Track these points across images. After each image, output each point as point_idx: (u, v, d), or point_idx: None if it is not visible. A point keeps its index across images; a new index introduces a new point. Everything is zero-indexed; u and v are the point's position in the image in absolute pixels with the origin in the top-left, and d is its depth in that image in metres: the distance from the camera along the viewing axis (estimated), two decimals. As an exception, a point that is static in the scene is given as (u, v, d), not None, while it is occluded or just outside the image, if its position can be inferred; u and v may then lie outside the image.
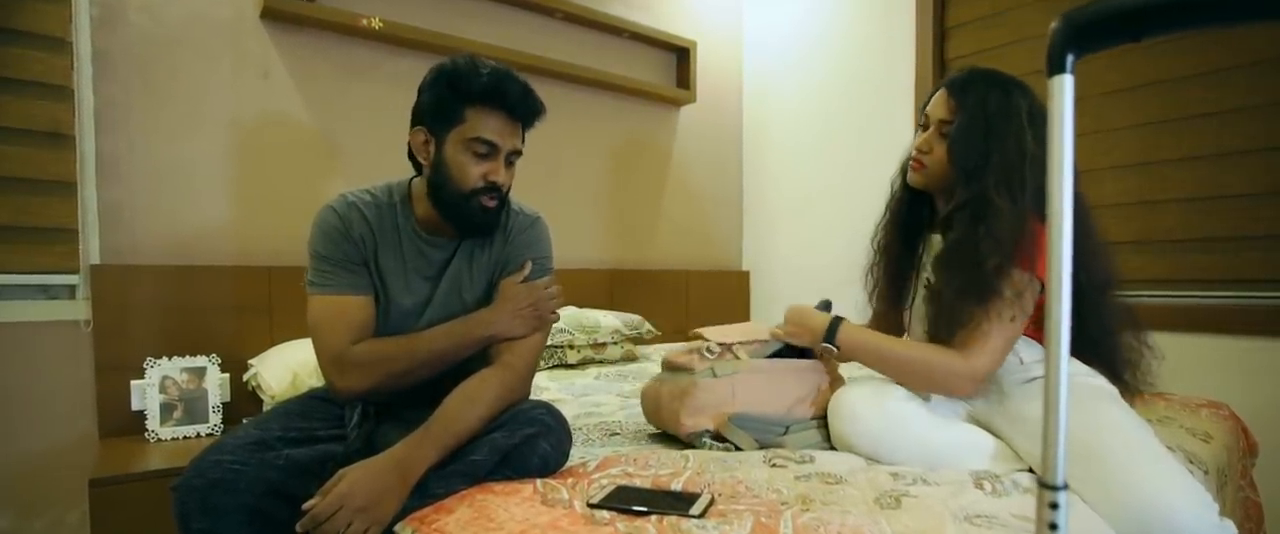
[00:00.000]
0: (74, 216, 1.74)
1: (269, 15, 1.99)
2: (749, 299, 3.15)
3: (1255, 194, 1.76)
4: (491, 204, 1.15)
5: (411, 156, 1.21)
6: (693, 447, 1.17)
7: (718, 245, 3.16)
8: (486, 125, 1.12)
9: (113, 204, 1.80)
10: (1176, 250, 1.89)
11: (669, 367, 1.29)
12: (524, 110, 1.17)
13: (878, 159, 2.61)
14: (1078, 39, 0.42)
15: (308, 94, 2.08)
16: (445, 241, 1.21)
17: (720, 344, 1.23)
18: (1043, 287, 1.13)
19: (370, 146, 2.19)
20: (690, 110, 2.99)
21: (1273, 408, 1.68)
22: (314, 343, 1.13)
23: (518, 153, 1.19)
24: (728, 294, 3.10)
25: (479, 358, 1.16)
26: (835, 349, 1.21)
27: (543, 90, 2.68)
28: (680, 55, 2.93)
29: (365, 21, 2.08)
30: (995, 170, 1.11)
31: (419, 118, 1.17)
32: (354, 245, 1.15)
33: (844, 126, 2.74)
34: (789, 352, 1.29)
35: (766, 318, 3.08)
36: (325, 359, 1.12)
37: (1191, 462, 1.13)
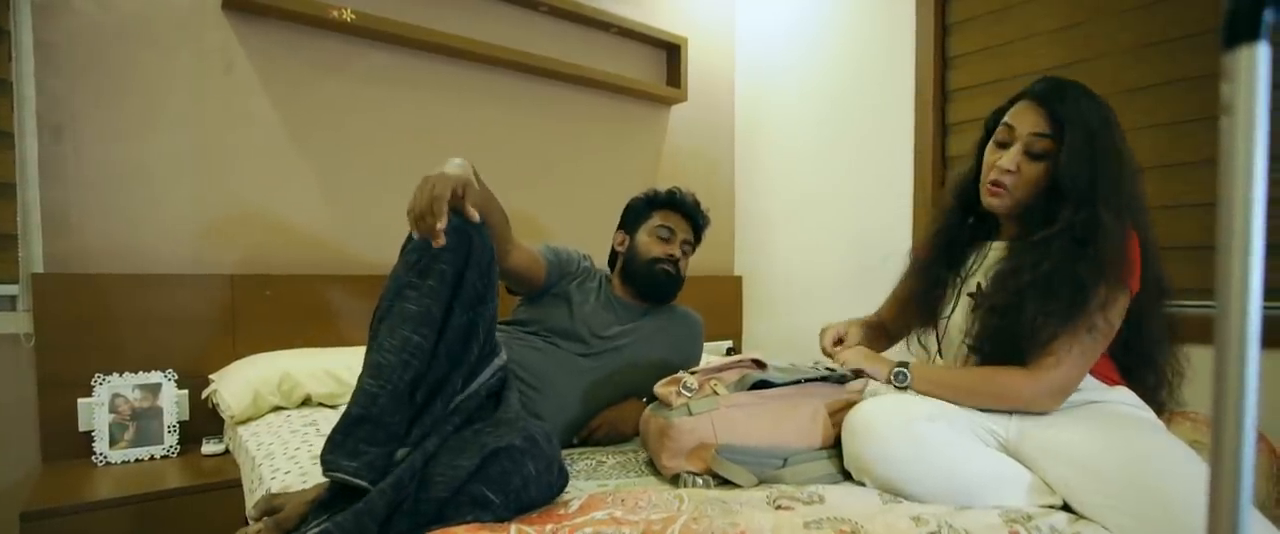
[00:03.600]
0: (13, 221, 1.60)
1: (232, 5, 1.85)
2: (742, 306, 3.04)
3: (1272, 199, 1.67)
4: (669, 270, 1.57)
5: (612, 257, 1.71)
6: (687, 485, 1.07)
7: (710, 250, 3.02)
8: (668, 219, 1.62)
9: (57, 207, 1.66)
10: (1197, 258, 1.80)
11: (655, 397, 1.20)
12: (694, 213, 1.66)
13: (877, 160, 2.51)
14: (1285, -11, 0.29)
15: (274, 90, 1.95)
16: (627, 311, 1.57)
17: (699, 377, 1.14)
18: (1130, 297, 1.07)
19: (342, 147, 2.06)
20: (681, 109, 2.88)
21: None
22: None
23: (690, 243, 1.65)
24: (720, 300, 2.98)
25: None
26: (907, 380, 1.14)
27: (526, 88, 2.59)
28: (670, 52, 2.81)
29: (336, 13, 1.95)
30: (1103, 189, 1.02)
31: (620, 226, 1.69)
32: (565, 264, 1.57)
33: (841, 127, 2.64)
34: (770, 384, 1.20)
35: (760, 325, 2.97)
36: None
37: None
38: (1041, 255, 1.04)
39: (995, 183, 1.12)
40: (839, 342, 1.32)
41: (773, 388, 1.18)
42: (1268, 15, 0.28)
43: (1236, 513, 0.31)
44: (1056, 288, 1.02)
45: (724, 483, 1.07)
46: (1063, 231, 1.03)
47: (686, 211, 1.65)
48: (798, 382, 1.21)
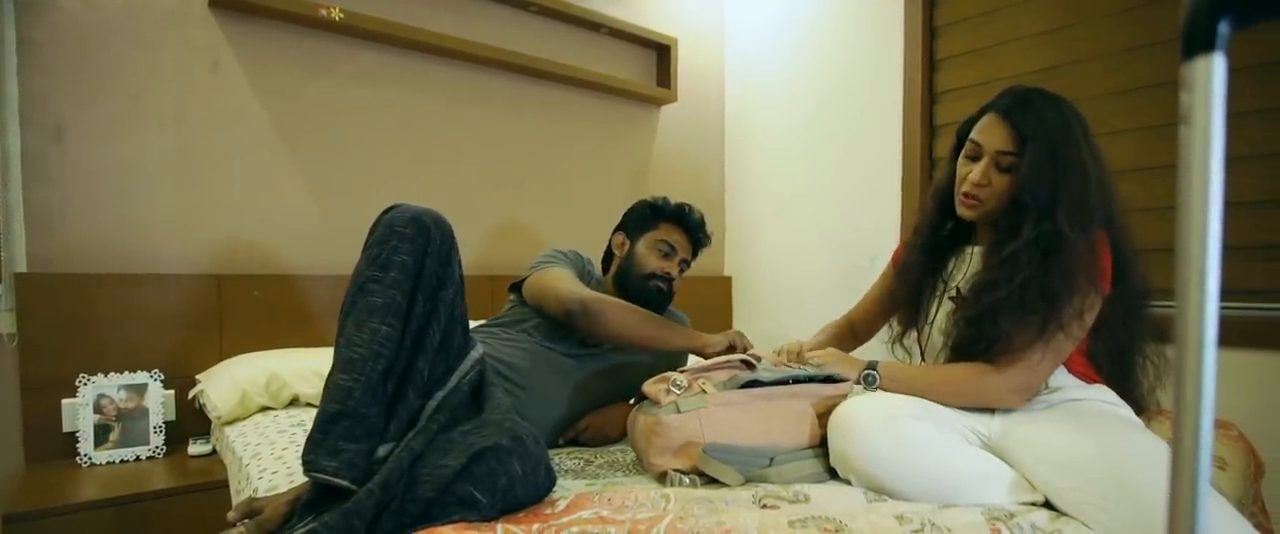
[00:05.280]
0: (-4, 221, 1.59)
1: (218, 3, 1.84)
2: (731, 306, 3.06)
3: (1256, 201, 1.69)
4: (663, 287, 1.58)
5: (607, 256, 1.71)
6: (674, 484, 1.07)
7: (699, 250, 3.05)
8: (671, 234, 1.61)
9: (41, 206, 1.65)
10: (1173, 260, 1.82)
11: (644, 395, 1.21)
12: (698, 232, 1.65)
13: (865, 161, 2.53)
14: (1239, 2, 0.31)
15: (262, 89, 1.94)
16: None
17: (688, 376, 1.15)
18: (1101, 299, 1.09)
19: (331, 147, 2.05)
20: (671, 110, 2.89)
21: (1272, 423, 1.61)
22: (556, 286, 1.43)
23: (687, 261, 1.65)
24: (710, 301, 2.99)
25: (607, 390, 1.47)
26: (876, 382, 1.18)
27: (516, 88, 2.59)
28: (660, 52, 2.82)
29: (324, 12, 1.94)
30: (1064, 202, 1.05)
31: (621, 227, 1.68)
32: (583, 275, 1.59)
33: (830, 128, 2.65)
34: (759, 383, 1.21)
35: (749, 325, 2.98)
36: (571, 292, 1.40)
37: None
38: (1013, 269, 1.07)
39: (967, 194, 1.17)
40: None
41: (761, 387, 1.19)
42: (1223, 27, 0.29)
43: (1195, 501, 0.32)
44: (1029, 300, 1.05)
45: (711, 482, 1.07)
46: (1030, 244, 1.06)
47: (690, 228, 1.64)
48: (786, 381, 1.21)
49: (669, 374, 1.19)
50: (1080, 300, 1.05)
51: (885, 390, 1.16)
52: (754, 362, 1.25)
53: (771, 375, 1.21)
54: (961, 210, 1.19)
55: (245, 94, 1.92)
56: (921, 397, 1.13)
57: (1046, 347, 1.06)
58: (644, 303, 1.54)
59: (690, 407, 1.11)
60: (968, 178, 1.16)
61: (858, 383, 1.20)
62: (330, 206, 2.05)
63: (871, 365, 1.19)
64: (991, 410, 1.13)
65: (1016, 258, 1.07)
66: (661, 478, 1.10)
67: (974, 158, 1.16)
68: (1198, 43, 0.29)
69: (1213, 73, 0.29)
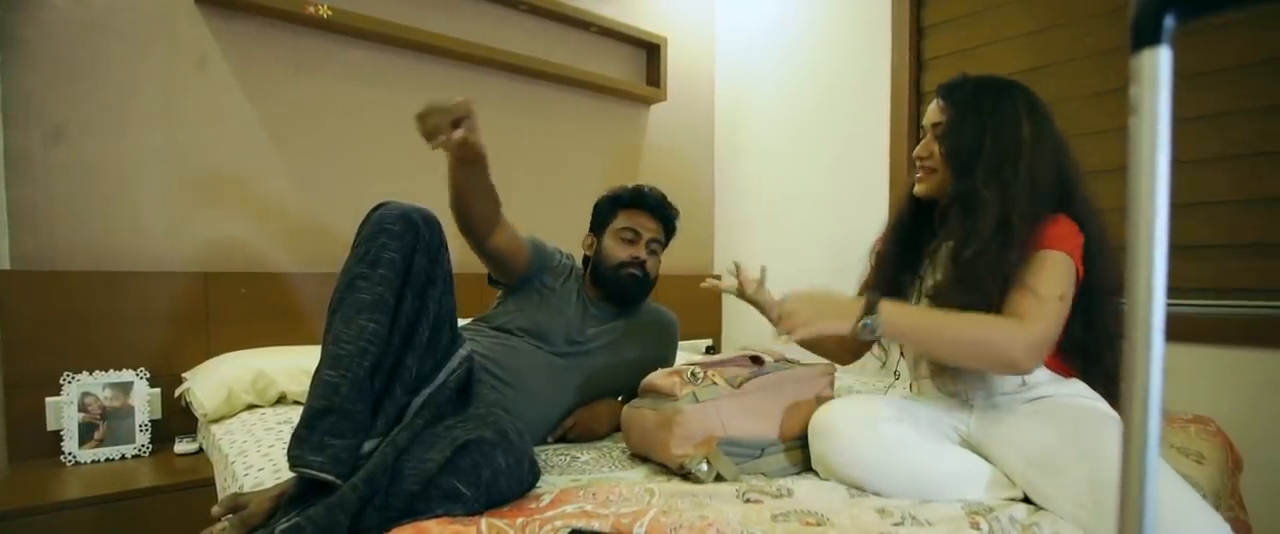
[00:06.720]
0: (-20, 218, 1.58)
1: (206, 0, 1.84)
2: (721, 305, 3.06)
3: (1241, 200, 1.72)
4: (636, 273, 1.53)
5: (584, 258, 1.65)
6: (667, 474, 1.10)
7: (688, 250, 3.05)
8: (633, 219, 1.57)
9: (25, 204, 1.63)
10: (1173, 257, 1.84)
11: (650, 390, 1.22)
12: (661, 210, 1.60)
13: (855, 160, 2.54)
14: (1181, -5, 0.31)
15: (249, 86, 1.93)
16: (601, 312, 1.55)
17: (701, 367, 1.18)
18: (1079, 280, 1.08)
19: (318, 144, 2.05)
20: (660, 109, 2.89)
21: (1257, 420, 1.63)
22: None
23: (659, 241, 1.61)
24: (700, 300, 2.98)
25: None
26: (876, 331, 1.02)
27: (505, 87, 2.58)
28: (650, 51, 2.83)
29: (312, 9, 1.94)
30: (985, 163, 1.08)
31: (589, 228, 1.65)
32: (547, 258, 1.55)
33: (819, 127, 2.67)
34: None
35: (740, 324, 2.99)
36: None
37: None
38: (958, 220, 1.10)
39: (917, 169, 1.22)
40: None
41: (766, 377, 1.22)
42: (1169, 21, 0.30)
43: (1143, 488, 0.33)
44: (972, 264, 1.05)
45: (717, 476, 1.09)
46: (952, 203, 1.11)
47: (652, 208, 1.59)
48: (793, 363, 1.25)
49: (680, 368, 1.21)
50: (1045, 256, 1.04)
51: (888, 337, 1.08)
52: (762, 358, 1.26)
53: (778, 368, 1.25)
54: (917, 188, 1.22)
55: (233, 91, 1.91)
56: (929, 344, 1.06)
57: (1048, 300, 1.01)
58: (621, 295, 1.54)
59: (707, 397, 1.14)
60: (915, 154, 1.22)
61: (853, 333, 1.04)
62: (318, 205, 2.05)
63: (871, 309, 1.02)
64: (970, 406, 1.14)
65: (946, 213, 1.11)
66: (680, 466, 1.10)
67: (923, 138, 1.22)
68: (1145, 36, 0.30)
69: (1159, 65, 0.30)
